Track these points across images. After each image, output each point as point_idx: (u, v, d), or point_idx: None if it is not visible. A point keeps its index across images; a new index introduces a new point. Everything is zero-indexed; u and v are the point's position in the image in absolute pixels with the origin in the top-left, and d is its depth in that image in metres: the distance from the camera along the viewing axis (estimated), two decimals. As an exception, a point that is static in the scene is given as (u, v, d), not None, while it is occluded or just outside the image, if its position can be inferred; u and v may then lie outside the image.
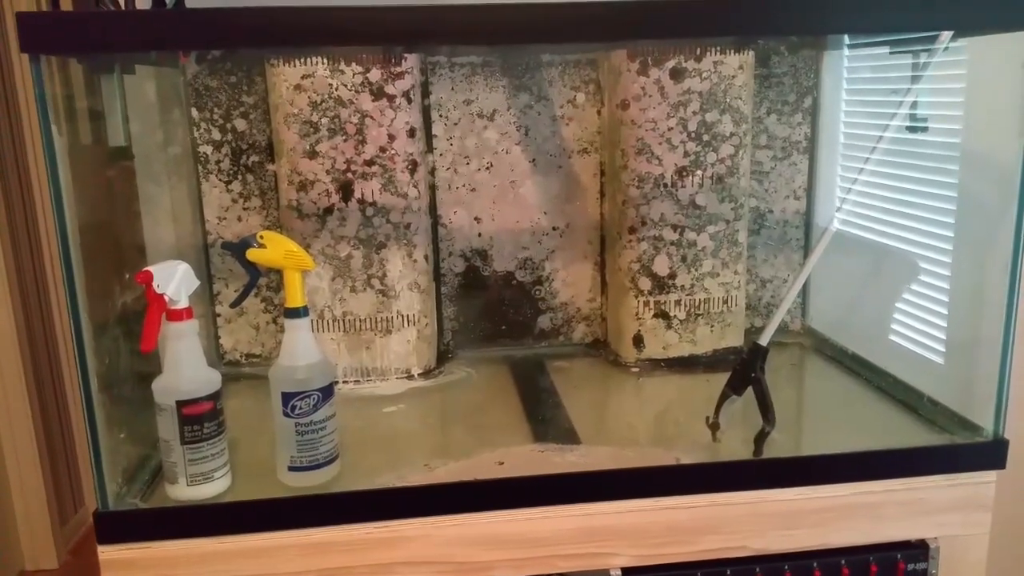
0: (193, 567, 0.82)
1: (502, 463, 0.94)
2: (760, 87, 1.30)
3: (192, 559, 0.81)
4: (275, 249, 0.87)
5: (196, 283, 0.86)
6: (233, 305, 1.19)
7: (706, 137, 1.20)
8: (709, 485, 0.83)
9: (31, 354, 2.21)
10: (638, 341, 1.27)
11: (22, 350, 2.16)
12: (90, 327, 0.82)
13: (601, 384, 1.26)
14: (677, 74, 1.18)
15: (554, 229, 1.34)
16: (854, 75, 1.27)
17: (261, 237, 0.88)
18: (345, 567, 0.84)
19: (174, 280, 0.83)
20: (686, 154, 1.20)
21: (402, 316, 1.23)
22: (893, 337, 1.17)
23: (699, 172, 1.21)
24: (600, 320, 1.39)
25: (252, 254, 0.88)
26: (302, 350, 0.87)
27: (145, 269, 0.82)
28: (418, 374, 1.26)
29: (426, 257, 1.25)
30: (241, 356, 1.32)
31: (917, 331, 1.11)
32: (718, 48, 1.17)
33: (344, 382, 1.22)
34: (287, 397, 0.86)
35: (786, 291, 1.36)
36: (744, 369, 0.90)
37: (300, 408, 0.86)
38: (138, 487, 0.90)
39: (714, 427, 0.92)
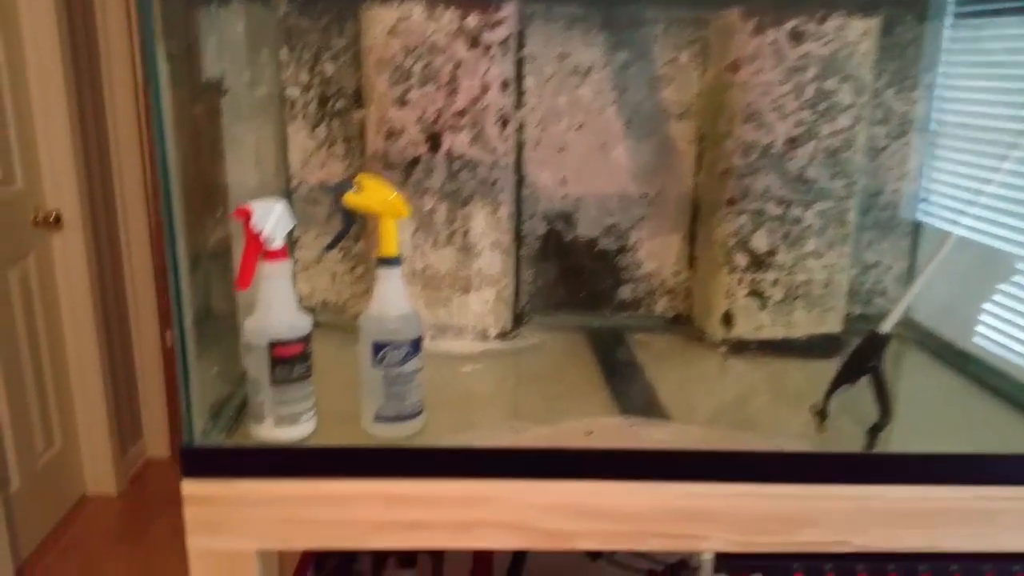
0: (275, 507, 0.82)
1: (591, 432, 0.91)
2: (881, 57, 1.23)
3: (274, 499, 0.81)
4: (373, 195, 0.85)
5: (292, 224, 0.84)
6: (327, 249, 1.17)
7: (822, 106, 1.14)
8: (814, 475, 0.80)
9: (100, 291, 2.26)
10: (728, 319, 1.23)
11: (92, 287, 2.21)
12: (186, 262, 0.81)
13: (686, 361, 1.23)
14: (797, 36, 1.11)
15: (643, 196, 1.30)
16: (983, 51, 1.18)
17: (359, 182, 0.85)
18: (425, 521, 0.83)
19: (272, 219, 0.81)
20: (798, 123, 1.14)
21: (482, 275, 1.21)
22: (1003, 335, 1.10)
23: (811, 144, 1.15)
24: (685, 295, 1.34)
25: (350, 199, 0.86)
26: (394, 300, 0.86)
27: (243, 206, 0.80)
28: (494, 335, 1.23)
29: (510, 216, 1.22)
30: (317, 304, 1.32)
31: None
32: (843, 11, 1.10)
33: (433, 339, 1.20)
34: (378, 347, 0.84)
35: (915, 278, 1.30)
36: (860, 357, 0.85)
37: (390, 359, 0.84)
38: (220, 425, 0.89)
39: (820, 415, 0.88)
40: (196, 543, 0.82)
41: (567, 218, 1.30)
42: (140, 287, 2.44)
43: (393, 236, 0.86)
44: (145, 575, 2.03)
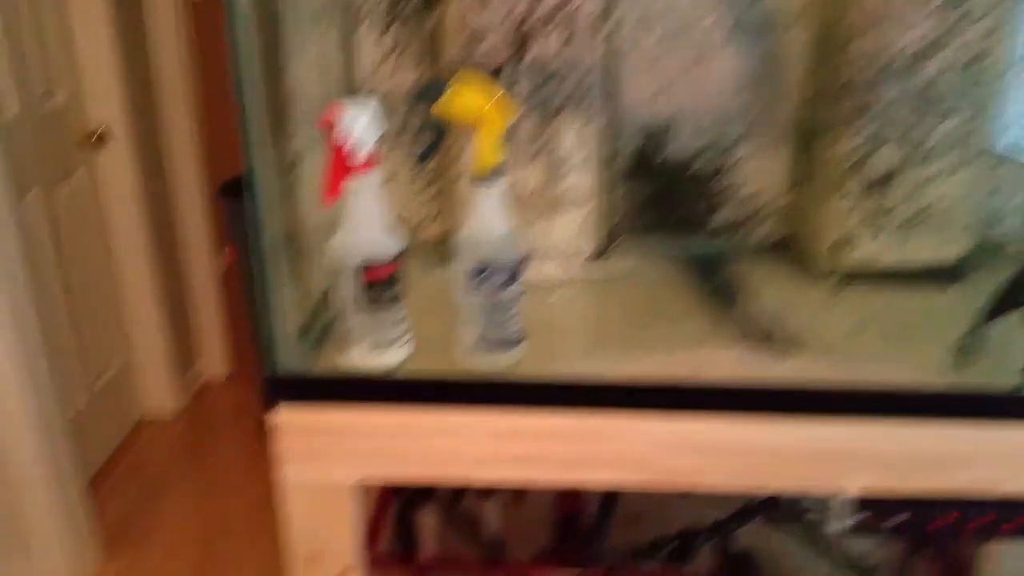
0: (374, 437, 0.76)
1: (710, 364, 0.84)
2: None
3: (374, 429, 0.76)
4: (472, 99, 0.76)
5: (382, 129, 0.76)
6: (421, 160, 1.08)
7: (959, 11, 1.01)
8: (964, 413, 0.71)
9: (150, 209, 2.21)
10: (839, 246, 1.13)
11: (141, 205, 2.16)
12: (262, 175, 0.74)
13: (793, 291, 1.13)
14: (938, -74, 0.98)
15: (745, 112, 1.19)
16: None
17: (453, 85, 0.76)
18: (535, 456, 0.77)
19: (361, 124, 0.73)
20: (931, 30, 1.02)
21: (570, 195, 1.12)
22: None
23: (942, 54, 1.02)
24: (787, 220, 1.24)
25: (446, 103, 0.77)
26: (496, 219, 0.78)
27: (330, 110, 0.72)
28: (582, 261, 1.15)
29: (601, 131, 1.12)
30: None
31: None
32: None
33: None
34: (477, 271, 0.77)
35: None
36: (1017, 288, 0.76)
37: (491, 284, 0.76)
38: (304, 351, 0.84)
39: (966, 350, 0.79)
40: (290, 474, 0.77)
41: (661, 135, 1.20)
42: (189, 205, 2.40)
43: (494, 146, 0.77)
44: (207, 497, 2.05)
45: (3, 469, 1.59)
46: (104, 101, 2.04)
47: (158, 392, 2.35)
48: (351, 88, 1.17)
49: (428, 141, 0.84)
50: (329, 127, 0.72)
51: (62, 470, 1.69)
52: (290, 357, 0.79)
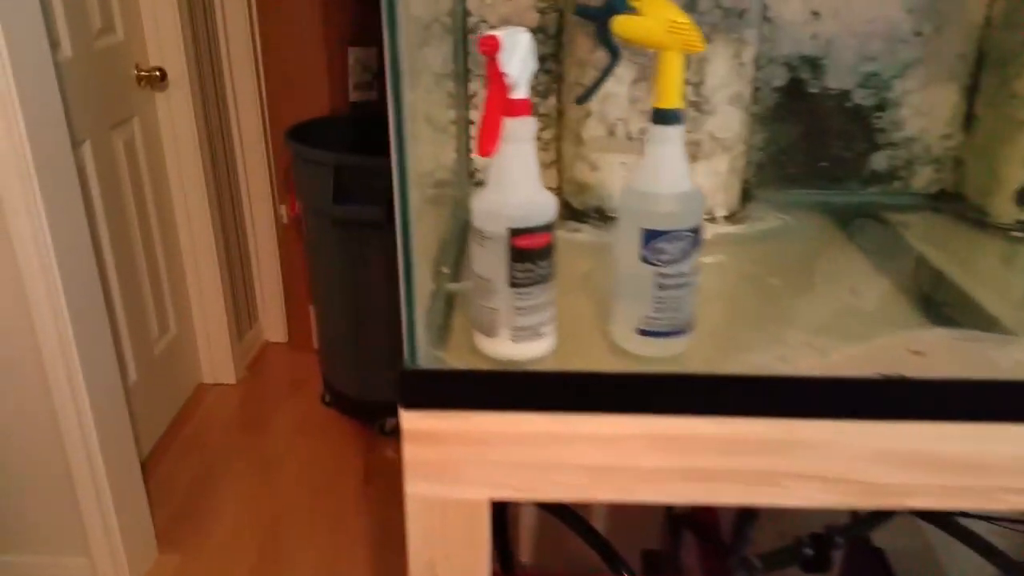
0: (516, 447, 0.64)
1: (919, 352, 0.69)
2: None
3: (515, 437, 0.63)
4: (655, 17, 0.61)
5: (535, 65, 0.61)
6: (581, 100, 0.92)
7: None
8: None
9: (210, 159, 2.10)
10: (1033, 197, 0.96)
11: (202, 154, 2.04)
12: (410, 132, 0.60)
13: (970, 250, 0.98)
14: None
15: (917, 35, 1.01)
16: None
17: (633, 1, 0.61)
18: (719, 470, 0.64)
19: (516, 55, 0.58)
20: None
21: (714, 139, 0.96)
22: None
23: None
24: (954, 165, 1.07)
25: (620, 24, 0.62)
26: (675, 173, 0.63)
27: (489, 34, 0.57)
28: (722, 217, 1.00)
29: (754, 61, 0.96)
30: (493, 176, 1.10)
31: None
32: None
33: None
34: (650, 236, 0.63)
35: None
36: None
37: (666, 253, 0.62)
38: (431, 340, 0.71)
39: None
40: (416, 489, 0.65)
41: (814, 64, 1.03)
42: (251, 156, 2.28)
43: (678, 79, 0.62)
44: (266, 478, 1.97)
45: (57, 453, 1.51)
46: (163, 39, 1.91)
47: (218, 357, 2.27)
48: (460, 13, 1.02)
49: (600, 71, 0.69)
50: (491, 53, 0.58)
51: (121, 455, 1.60)
52: (420, 350, 0.66)
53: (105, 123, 1.76)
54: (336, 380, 2.10)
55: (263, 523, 1.80)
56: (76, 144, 1.64)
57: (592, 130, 0.96)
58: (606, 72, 0.68)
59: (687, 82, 0.93)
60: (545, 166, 1.09)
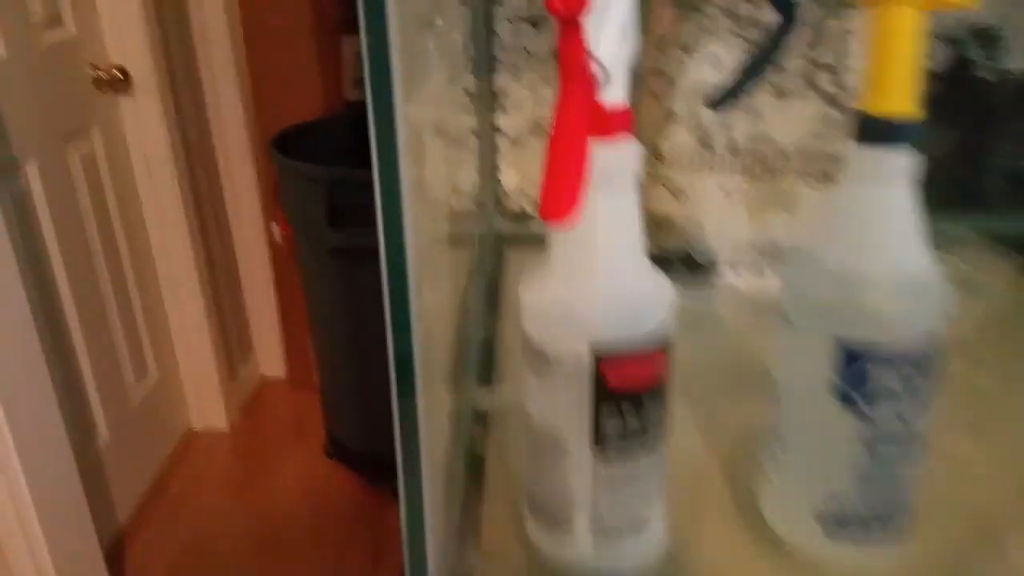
0: None
1: None
2: None
3: None
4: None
5: (637, 42, 0.32)
6: (720, 103, 0.57)
7: None
8: None
9: (188, 172, 1.83)
10: None
11: (177, 167, 1.77)
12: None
13: None
14: None
15: None
16: None
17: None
18: None
19: (613, 21, 0.29)
20: None
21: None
22: None
23: None
24: None
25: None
26: (902, 238, 0.33)
27: None
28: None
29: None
30: (530, 203, 0.82)
31: None
32: None
33: (727, 266, 0.69)
34: (854, 355, 0.33)
35: None
36: None
37: (885, 388, 0.33)
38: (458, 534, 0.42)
39: None
40: None
41: (987, 38, 0.73)
42: (236, 167, 2.01)
43: (909, 57, 0.33)
44: (266, 542, 1.69)
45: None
46: (124, 33, 1.64)
47: (207, 400, 1.99)
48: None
49: (758, 55, 0.40)
50: (574, 8, 0.29)
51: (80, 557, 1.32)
52: (434, 553, 0.38)
53: (55, 136, 1.49)
54: (339, 429, 1.82)
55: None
56: (15, 166, 1.37)
57: (677, 139, 0.68)
58: (772, 48, 0.39)
59: (815, 64, 0.63)
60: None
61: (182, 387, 1.97)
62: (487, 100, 0.78)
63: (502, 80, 0.77)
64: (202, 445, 1.98)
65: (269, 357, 2.22)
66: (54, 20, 1.49)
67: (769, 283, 0.70)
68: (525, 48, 0.75)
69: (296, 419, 2.07)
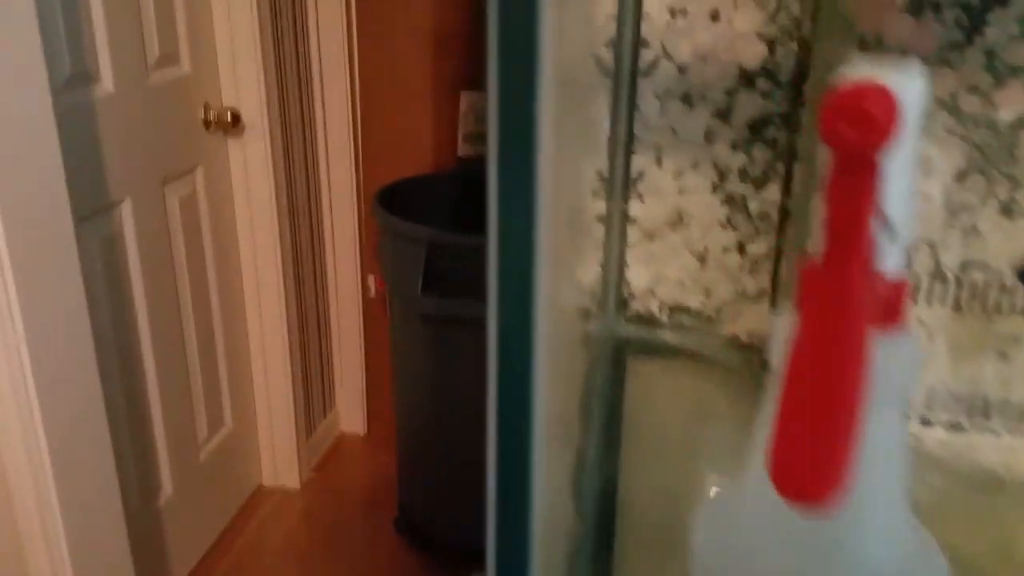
0: None
1: None
2: None
3: None
4: None
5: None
6: None
7: None
8: None
9: (291, 221, 1.78)
10: None
11: (280, 216, 1.72)
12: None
13: None
14: None
15: None
16: None
17: None
18: None
19: (903, 177, 0.16)
20: None
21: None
22: None
23: None
24: None
25: None
26: None
27: (868, 81, 0.16)
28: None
29: None
30: (662, 308, 0.69)
31: None
32: None
33: (927, 423, 0.54)
34: None
35: None
36: None
37: None
38: None
39: None
40: None
41: None
42: (339, 217, 1.96)
43: None
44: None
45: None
46: (241, 75, 1.61)
47: (281, 456, 1.92)
48: (629, 51, 0.61)
49: None
50: (876, 137, 0.17)
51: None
52: None
53: (156, 176, 1.46)
54: (412, 506, 1.71)
55: None
56: (110, 205, 1.34)
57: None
58: None
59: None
60: (748, 299, 0.67)
61: (257, 441, 1.90)
62: (621, 185, 0.67)
63: (641, 163, 0.65)
64: (271, 504, 1.89)
65: (350, 413, 2.14)
66: (170, 58, 1.47)
67: (971, 442, 0.55)
68: (672, 128, 0.63)
69: (370, 484, 1.97)
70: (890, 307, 0.21)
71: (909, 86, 0.22)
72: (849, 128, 0.18)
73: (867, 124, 0.18)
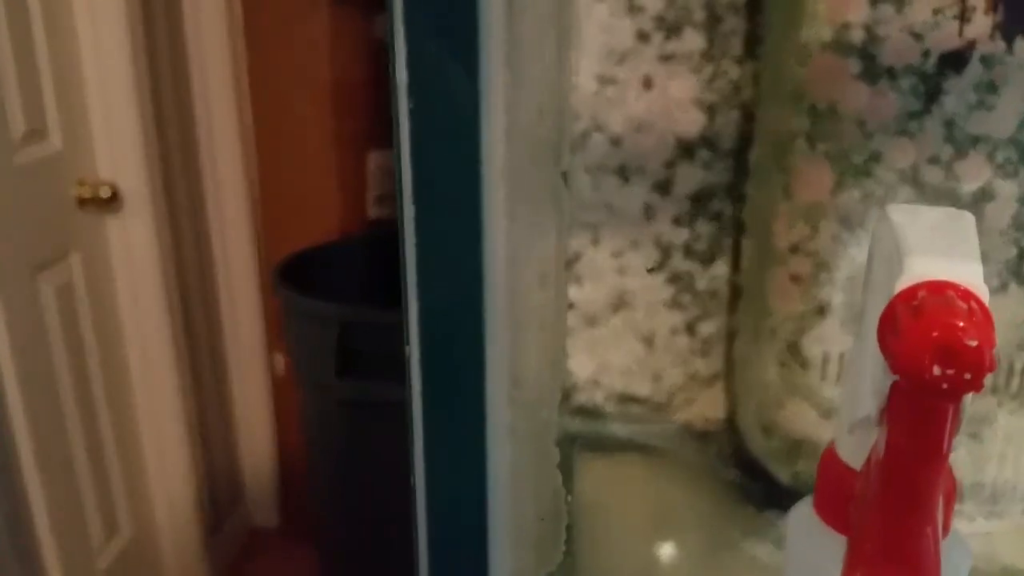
0: None
1: None
2: None
3: None
4: None
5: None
6: None
7: None
8: None
9: (181, 304, 1.69)
10: None
11: (169, 299, 1.63)
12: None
13: None
14: None
15: None
16: None
17: None
18: None
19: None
20: None
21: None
22: None
23: None
24: None
25: None
26: None
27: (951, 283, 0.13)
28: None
29: None
30: (607, 397, 0.66)
31: None
32: None
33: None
34: None
35: None
36: None
37: None
38: None
39: None
40: None
41: None
42: (239, 294, 1.87)
43: None
44: None
45: None
46: (118, 147, 1.53)
47: (186, 563, 1.79)
48: (559, 123, 0.58)
49: None
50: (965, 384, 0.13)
51: None
52: None
53: (25, 266, 1.35)
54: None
55: None
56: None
57: (832, 343, 0.52)
58: None
59: None
60: (701, 383, 0.64)
61: (158, 546, 1.77)
62: (559, 265, 0.63)
63: (576, 244, 0.62)
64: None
65: (262, 505, 2.03)
66: (37, 134, 1.38)
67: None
68: (608, 205, 0.60)
69: (292, 580, 1.87)
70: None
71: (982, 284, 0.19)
72: (953, 373, 0.15)
73: (975, 367, 0.15)
